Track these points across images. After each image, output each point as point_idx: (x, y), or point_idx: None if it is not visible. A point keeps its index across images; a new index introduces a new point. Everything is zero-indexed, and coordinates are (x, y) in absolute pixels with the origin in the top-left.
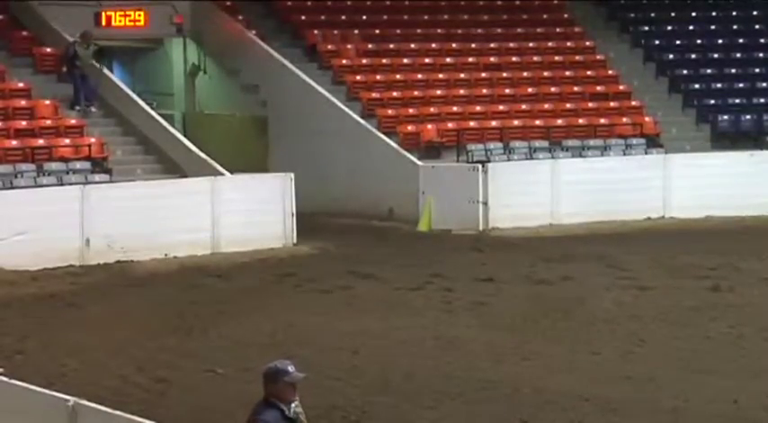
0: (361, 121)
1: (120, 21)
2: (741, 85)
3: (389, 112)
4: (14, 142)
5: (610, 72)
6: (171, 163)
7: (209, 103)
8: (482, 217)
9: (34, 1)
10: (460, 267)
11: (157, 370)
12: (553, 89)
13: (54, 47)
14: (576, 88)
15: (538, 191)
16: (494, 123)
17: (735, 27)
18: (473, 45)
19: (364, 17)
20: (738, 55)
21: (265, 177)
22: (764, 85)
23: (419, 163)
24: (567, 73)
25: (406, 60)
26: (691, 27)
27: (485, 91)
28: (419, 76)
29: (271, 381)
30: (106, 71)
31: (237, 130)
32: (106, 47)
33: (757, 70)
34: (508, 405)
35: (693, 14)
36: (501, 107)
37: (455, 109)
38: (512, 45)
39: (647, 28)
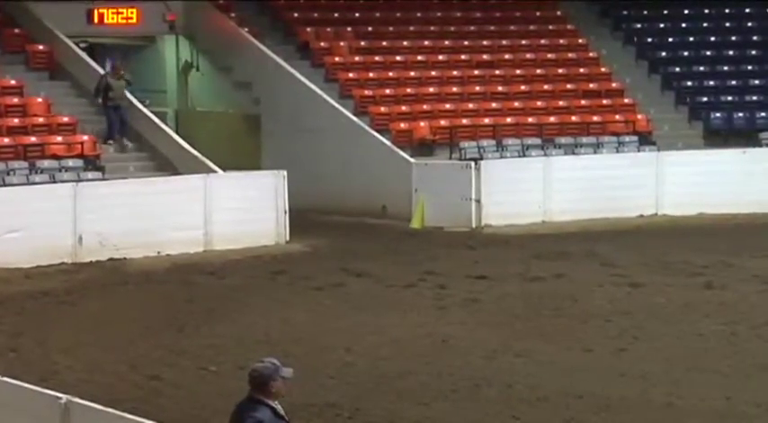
0: (354, 119)
1: (112, 18)
2: (734, 82)
3: (382, 109)
4: (7, 140)
5: (602, 70)
6: (163, 160)
7: (201, 101)
8: (475, 214)
9: None
10: (453, 265)
11: (150, 368)
12: (546, 87)
13: (46, 44)
14: (568, 86)
15: (530, 188)
16: (486, 121)
17: (727, 25)
18: (466, 42)
19: (357, 15)
20: (731, 52)
21: (258, 175)
22: (757, 82)
23: (412, 160)
24: (560, 71)
25: (398, 58)
26: (683, 25)
27: (477, 88)
28: (412, 73)
29: (272, 379)
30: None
31: (230, 128)
32: (98, 44)
33: (750, 68)
34: (501, 402)
35: (686, 12)
36: (494, 105)
37: (448, 106)
38: (505, 43)
39: (639, 25)
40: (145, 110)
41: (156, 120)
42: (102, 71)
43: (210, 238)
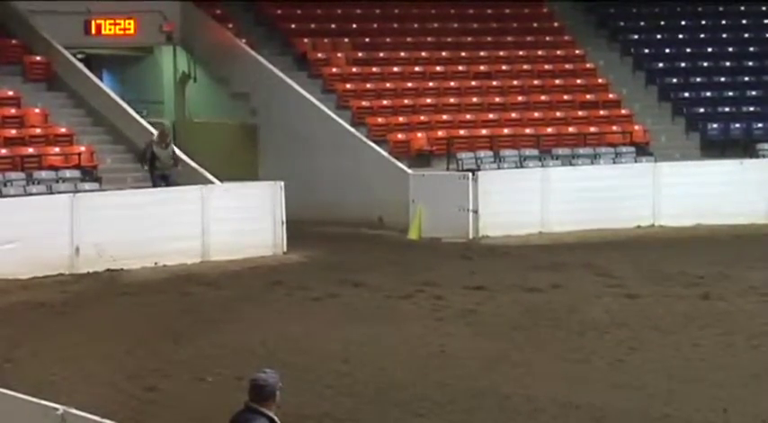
0: (351, 130)
1: (109, 29)
2: (730, 93)
3: (379, 120)
4: (4, 151)
5: (599, 80)
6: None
7: (199, 112)
8: (472, 225)
9: (23, 0)
10: (450, 275)
11: (147, 378)
12: (543, 97)
13: (43, 55)
14: (566, 97)
15: (528, 199)
16: (484, 132)
17: (724, 35)
18: (463, 53)
19: (354, 26)
20: (728, 63)
21: (255, 185)
22: (754, 93)
23: (409, 171)
24: (557, 81)
25: (396, 69)
26: (680, 35)
27: (475, 99)
28: (409, 84)
29: (276, 389)
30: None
31: (227, 139)
32: (95, 55)
33: (746, 79)
34: (498, 413)
35: (683, 23)
36: (491, 115)
37: (445, 117)
38: (502, 53)
39: (636, 36)
40: (142, 120)
41: (154, 131)
42: (148, 140)
43: (207, 248)
